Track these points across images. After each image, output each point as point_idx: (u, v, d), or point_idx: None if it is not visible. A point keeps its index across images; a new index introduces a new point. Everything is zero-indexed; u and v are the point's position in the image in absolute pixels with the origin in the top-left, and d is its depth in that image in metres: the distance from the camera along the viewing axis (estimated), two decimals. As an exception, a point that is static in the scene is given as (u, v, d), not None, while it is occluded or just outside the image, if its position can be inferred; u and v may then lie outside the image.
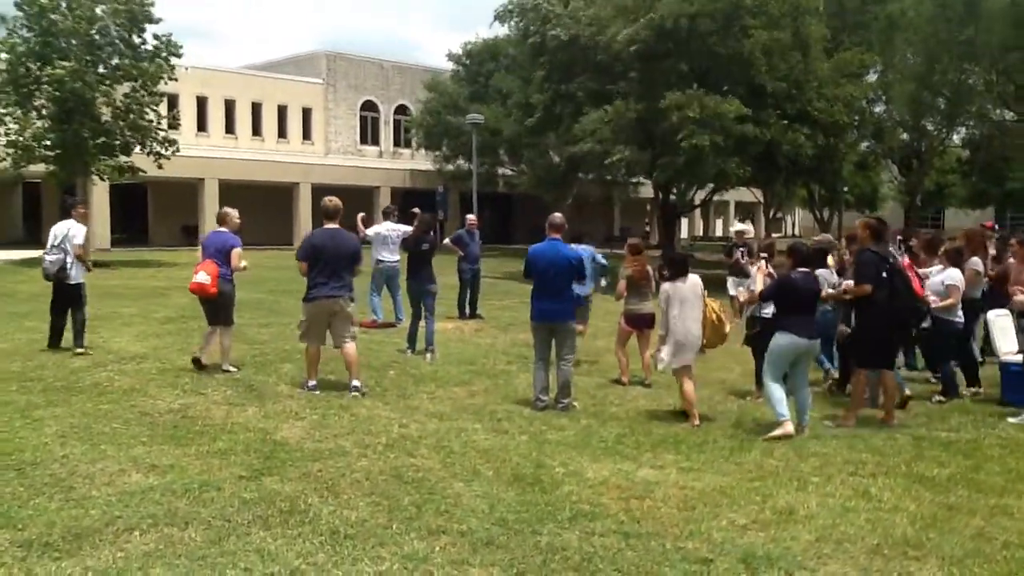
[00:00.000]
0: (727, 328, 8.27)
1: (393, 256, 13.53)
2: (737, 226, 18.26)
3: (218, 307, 9.44)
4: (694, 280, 8.19)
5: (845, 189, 43.25)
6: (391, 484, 5.86)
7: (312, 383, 8.69)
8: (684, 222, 51.40)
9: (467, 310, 14.81)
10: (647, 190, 33.48)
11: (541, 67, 25.09)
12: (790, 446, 7.04)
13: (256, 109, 43.26)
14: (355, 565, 4.50)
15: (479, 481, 5.98)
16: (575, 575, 4.46)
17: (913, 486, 6.02)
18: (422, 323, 11.12)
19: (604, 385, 9.54)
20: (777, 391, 7.45)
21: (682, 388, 8.05)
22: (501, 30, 41.67)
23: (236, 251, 9.48)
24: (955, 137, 41.42)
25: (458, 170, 39.76)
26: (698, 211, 46.41)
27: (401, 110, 46.69)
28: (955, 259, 9.27)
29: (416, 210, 13.88)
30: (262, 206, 34.72)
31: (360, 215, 13.81)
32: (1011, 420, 8.02)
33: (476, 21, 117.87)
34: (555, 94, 24.45)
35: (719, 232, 62.98)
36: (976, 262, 9.67)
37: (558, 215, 8.66)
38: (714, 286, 16.89)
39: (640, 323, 9.73)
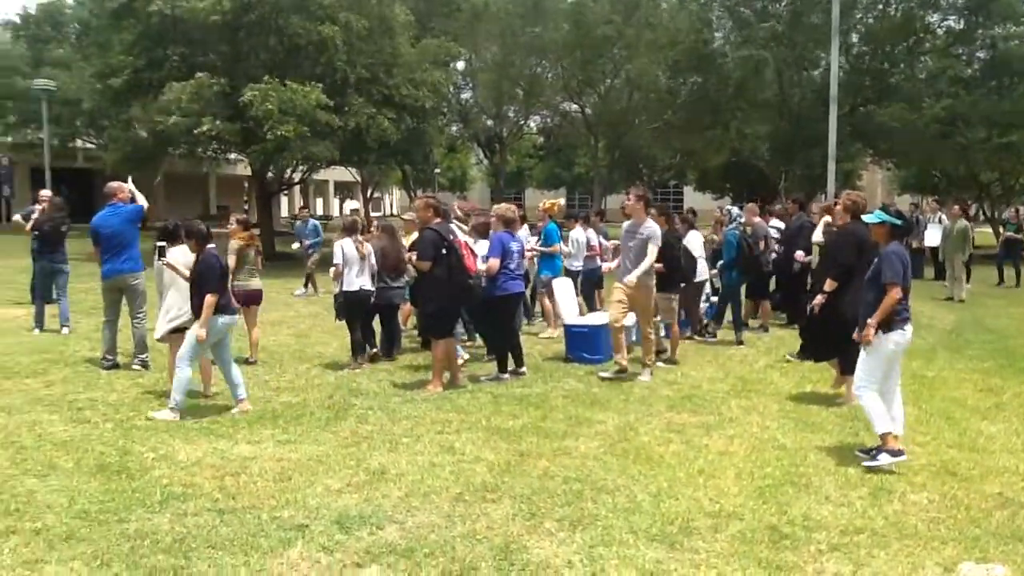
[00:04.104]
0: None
1: None
2: (352, 204, 18.82)
3: None
4: (185, 251, 7.77)
5: (437, 171, 45.62)
6: (-55, 489, 5.22)
7: None
8: (284, 200, 50.82)
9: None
10: (244, 167, 32.58)
11: (127, 30, 23.25)
12: (384, 411, 7.38)
13: None
14: (-99, 581, 3.97)
15: (56, 475, 5.54)
16: (166, 556, 4.33)
17: (491, 438, 6.62)
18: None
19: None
20: (188, 375, 7.15)
21: (171, 360, 7.75)
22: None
23: None
24: (531, 123, 45.54)
25: (26, 141, 35.49)
26: (298, 189, 46.02)
27: (-50, 71, 40.53)
28: (484, 232, 9.81)
29: (46, 192, 12.44)
30: None
31: None
32: (483, 379, 8.76)
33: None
34: (148, 60, 22.79)
35: (320, 210, 63.23)
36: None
37: (112, 183, 9.42)
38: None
39: (249, 299, 9.53)
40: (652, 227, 8.77)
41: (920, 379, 9.05)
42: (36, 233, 11.28)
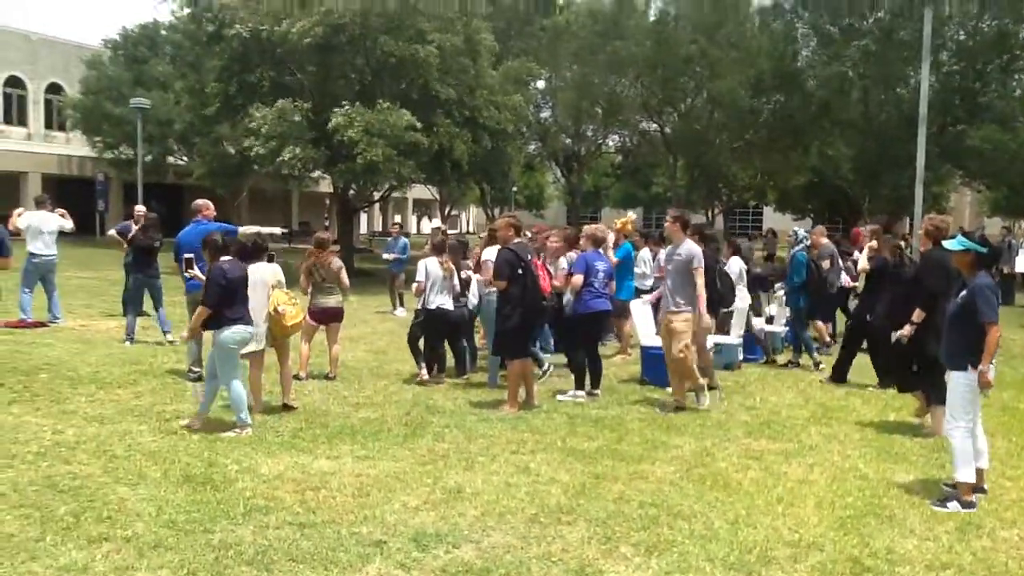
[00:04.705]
0: (289, 320, 7.90)
1: (49, 250, 12.53)
2: (435, 223, 19.09)
3: None
4: (262, 268, 7.92)
5: (515, 189, 45.86)
6: (44, 494, 5.46)
7: None
8: (364, 217, 51.69)
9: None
10: (326, 184, 33.32)
11: (217, 56, 24.09)
12: (460, 430, 7.44)
13: None
14: (2, 583, 4.16)
15: (145, 484, 5.73)
16: (249, 568, 4.45)
17: (567, 459, 6.62)
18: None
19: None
20: (240, 389, 7.22)
21: (250, 374, 7.92)
22: (159, 15, 39.25)
23: None
24: (609, 142, 45.45)
25: (121, 158, 36.91)
26: (377, 206, 46.82)
27: (54, 89, 42.41)
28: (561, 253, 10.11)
29: (141, 208, 13.03)
30: None
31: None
32: (560, 398, 8.84)
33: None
34: (238, 84, 23.55)
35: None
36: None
37: (199, 200, 9.96)
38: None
39: (323, 317, 9.73)
40: (690, 248, 8.48)
41: (1011, 411, 8.75)
42: (131, 248, 11.75)
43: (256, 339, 7.77)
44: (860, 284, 10.00)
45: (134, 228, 11.99)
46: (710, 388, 8.94)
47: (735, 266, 11.02)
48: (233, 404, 7.22)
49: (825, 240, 11.75)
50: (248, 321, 7.39)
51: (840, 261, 11.94)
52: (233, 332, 7.21)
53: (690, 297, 8.44)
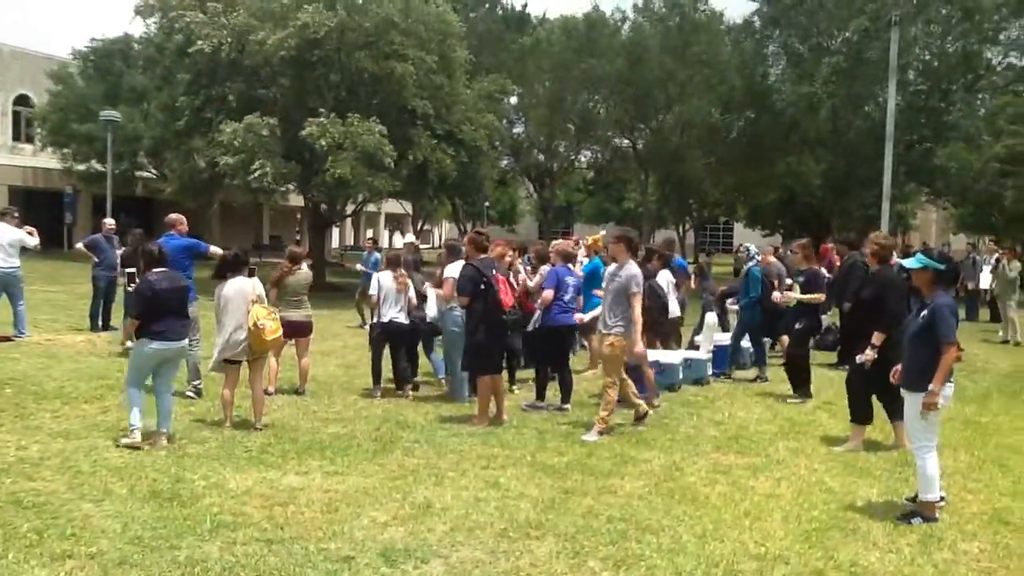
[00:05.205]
0: (269, 335, 7.84)
1: (8, 262, 12.35)
2: (408, 238, 19.15)
3: None
4: (242, 282, 7.98)
5: (487, 204, 45.95)
6: (7, 511, 5.40)
7: None
8: (335, 231, 51.54)
9: (100, 321, 13.80)
10: (297, 198, 33.21)
11: (187, 69, 24.01)
12: (430, 445, 7.44)
13: None
14: (-38, 601, 4.11)
15: (111, 500, 5.68)
16: (215, 585, 4.43)
17: (536, 474, 6.64)
18: None
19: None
20: (137, 398, 7.17)
21: (223, 390, 8.02)
22: (132, 28, 39.01)
23: None
24: (582, 158, 45.76)
25: (90, 171, 36.54)
26: (349, 220, 46.69)
27: (22, 100, 41.91)
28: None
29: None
30: None
31: None
32: (524, 405, 9.13)
33: (108, 10, 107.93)
34: (206, 98, 23.44)
35: (370, 242, 63.78)
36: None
37: (172, 215, 9.79)
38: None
39: (290, 331, 9.66)
40: (631, 270, 7.98)
41: (974, 425, 8.88)
42: (125, 270, 11.78)
43: (235, 352, 7.83)
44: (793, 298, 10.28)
45: (103, 242, 11.95)
46: (637, 419, 8.46)
47: (663, 279, 11.02)
48: (124, 404, 7.20)
49: (773, 259, 11.95)
50: (172, 338, 7.29)
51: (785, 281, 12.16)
52: (152, 346, 7.19)
53: (623, 317, 7.99)
